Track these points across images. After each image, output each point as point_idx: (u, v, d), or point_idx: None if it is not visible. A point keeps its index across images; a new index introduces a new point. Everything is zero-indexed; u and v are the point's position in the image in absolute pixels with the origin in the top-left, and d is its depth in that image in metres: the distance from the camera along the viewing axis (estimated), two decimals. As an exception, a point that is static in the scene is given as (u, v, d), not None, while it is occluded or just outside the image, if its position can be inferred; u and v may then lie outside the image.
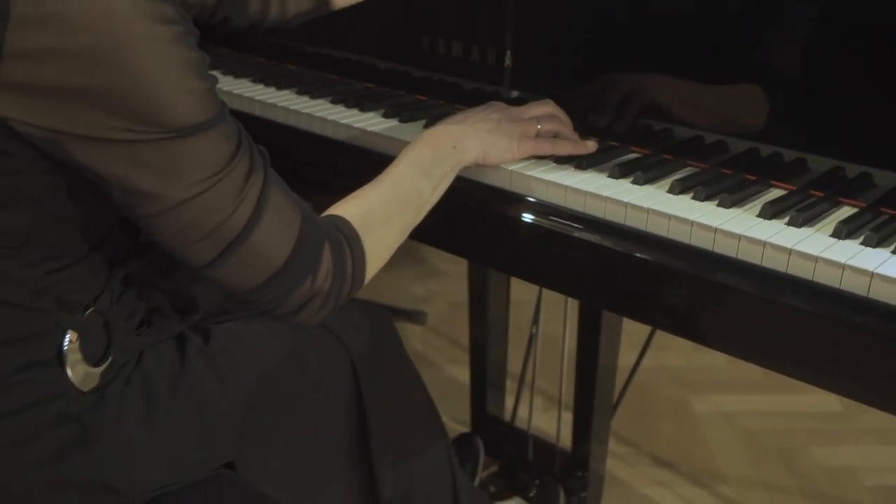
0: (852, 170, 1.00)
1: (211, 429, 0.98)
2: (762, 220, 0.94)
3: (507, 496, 1.72)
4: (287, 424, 1.08)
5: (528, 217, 1.05)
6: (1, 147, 0.76)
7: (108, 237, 0.93)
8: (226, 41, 1.58)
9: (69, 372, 0.87)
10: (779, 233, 0.91)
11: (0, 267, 0.83)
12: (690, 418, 2.18)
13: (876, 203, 0.97)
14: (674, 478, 1.96)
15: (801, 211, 0.94)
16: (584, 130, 1.16)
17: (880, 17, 0.94)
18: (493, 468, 1.80)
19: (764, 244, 0.90)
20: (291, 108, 1.31)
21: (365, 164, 1.21)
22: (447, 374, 2.29)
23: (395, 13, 1.35)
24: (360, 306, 1.21)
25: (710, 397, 2.26)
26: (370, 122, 1.25)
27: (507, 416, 1.93)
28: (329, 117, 1.27)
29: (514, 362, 1.94)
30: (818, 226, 0.94)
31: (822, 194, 1.00)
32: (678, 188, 1.01)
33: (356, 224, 0.93)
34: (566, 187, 1.03)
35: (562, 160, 1.10)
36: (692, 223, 0.94)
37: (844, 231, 0.91)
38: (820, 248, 0.88)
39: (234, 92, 1.39)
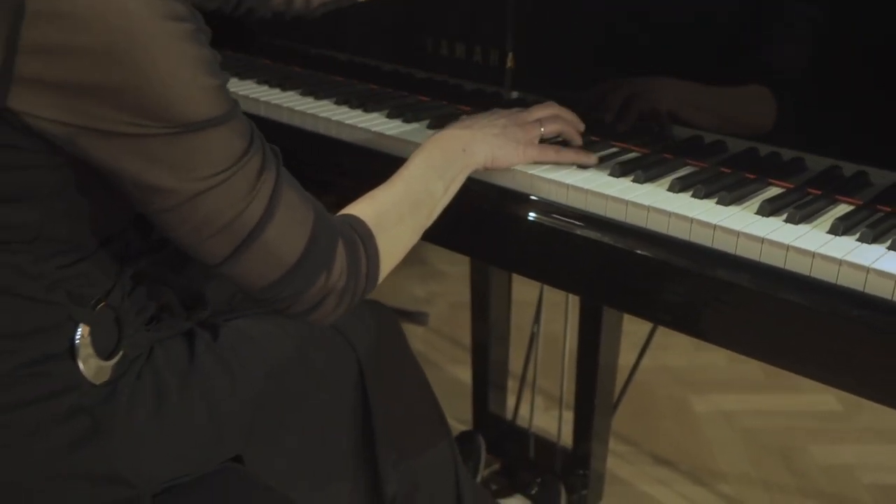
0: (849, 168, 1.02)
1: (220, 424, 1.00)
2: (760, 217, 0.96)
3: (509, 494, 1.73)
4: (294, 421, 1.09)
5: (530, 215, 1.07)
6: (14, 142, 0.78)
7: (118, 234, 0.94)
8: (231, 43, 1.60)
9: (81, 365, 0.88)
10: (777, 229, 0.93)
11: (13, 261, 0.84)
12: (690, 417, 2.19)
13: (872, 201, 0.99)
14: (674, 476, 1.97)
15: (798, 208, 0.96)
16: (584, 131, 1.18)
17: (877, 19, 0.96)
18: (495, 466, 1.81)
19: (762, 240, 0.91)
20: (296, 108, 1.33)
21: (369, 164, 1.23)
22: (448, 374, 2.31)
23: (398, 15, 1.37)
24: (367, 306, 1.22)
25: (710, 397, 2.27)
26: (374, 123, 1.27)
27: (509, 415, 1.94)
28: (333, 118, 1.29)
29: (515, 362, 1.95)
30: (815, 223, 0.95)
31: (819, 192, 1.02)
32: (678, 186, 1.03)
33: (370, 223, 0.94)
34: (568, 186, 1.05)
35: (563, 159, 1.12)
36: (692, 220, 0.96)
37: (841, 228, 0.92)
38: (817, 245, 0.89)
39: (240, 93, 1.41)
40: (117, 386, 0.92)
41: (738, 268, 0.92)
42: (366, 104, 1.33)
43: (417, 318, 2.58)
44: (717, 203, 1.00)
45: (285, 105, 1.35)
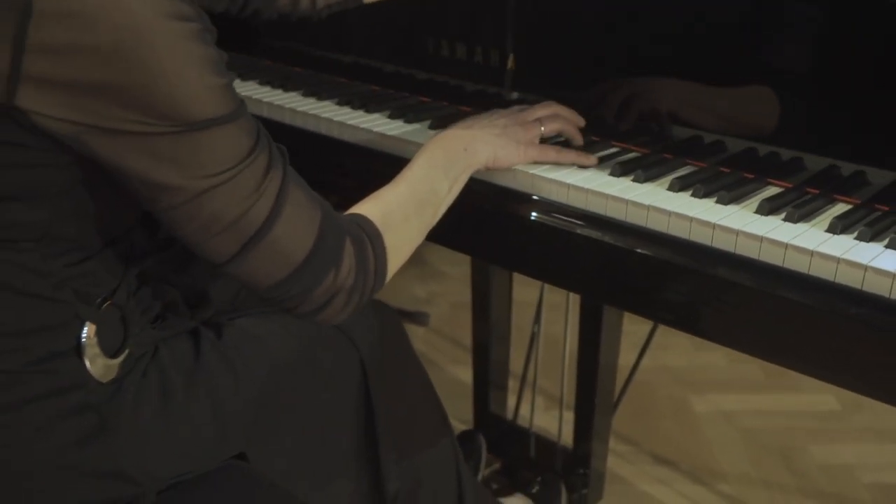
0: (847, 168, 1.03)
1: (224, 422, 1.00)
2: (759, 216, 0.97)
3: (510, 493, 1.73)
4: (297, 420, 1.10)
5: (531, 214, 1.08)
6: (22, 140, 0.78)
7: (124, 234, 0.95)
8: (234, 44, 1.60)
9: (87, 363, 0.89)
10: (775, 228, 0.94)
11: (21, 259, 0.85)
12: (690, 417, 2.20)
13: (870, 200, 1.00)
14: (674, 475, 1.98)
15: (797, 207, 0.97)
16: (585, 130, 1.19)
17: (875, 21, 0.96)
18: (496, 466, 1.82)
19: (761, 239, 0.92)
20: (299, 109, 1.34)
21: (371, 164, 1.24)
22: (449, 375, 2.32)
23: (399, 17, 1.38)
24: (370, 306, 1.22)
25: (710, 397, 2.28)
26: (376, 123, 1.28)
27: (510, 415, 1.95)
28: (336, 118, 1.30)
29: (515, 362, 1.95)
30: (814, 221, 0.96)
31: (817, 191, 1.02)
32: (678, 186, 1.04)
33: (377, 222, 0.94)
34: (569, 185, 1.06)
35: (564, 159, 1.13)
36: (691, 219, 0.97)
37: (839, 226, 0.93)
38: (815, 243, 0.90)
39: (242, 94, 1.41)
40: (123, 384, 0.93)
41: (738, 266, 0.93)
42: (367, 105, 1.34)
43: (418, 318, 2.59)
44: (717, 202, 1.00)
45: (287, 106, 1.36)
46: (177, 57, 0.75)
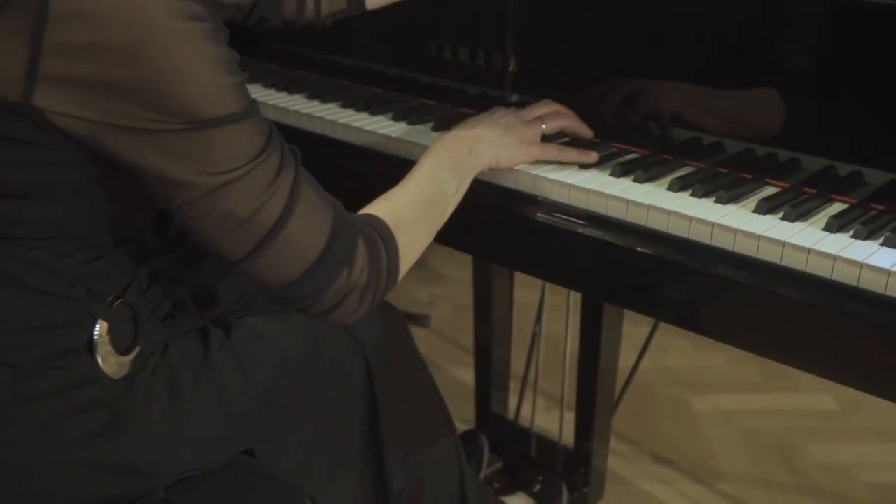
0: (844, 169, 1.04)
1: (232, 419, 1.02)
2: (758, 215, 0.99)
3: (512, 492, 1.75)
4: (303, 417, 1.12)
5: (533, 214, 1.09)
6: (38, 139, 0.80)
7: (135, 234, 0.96)
8: (238, 47, 1.62)
9: (99, 360, 0.91)
10: (773, 227, 0.95)
11: (35, 256, 0.86)
12: (690, 417, 2.22)
13: (866, 199, 1.01)
14: (674, 475, 2.00)
15: (794, 206, 0.99)
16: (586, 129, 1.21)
17: (872, 26, 0.98)
18: (498, 465, 1.83)
19: (759, 237, 0.94)
20: (303, 111, 1.36)
21: (375, 165, 1.26)
22: (451, 376, 2.33)
23: (403, 21, 1.39)
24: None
25: (709, 397, 2.29)
26: (379, 126, 1.29)
27: (511, 415, 1.96)
28: (340, 120, 1.31)
29: (517, 363, 1.97)
30: (811, 220, 0.98)
31: (814, 191, 1.04)
32: (677, 186, 1.06)
33: (388, 222, 0.96)
34: (570, 185, 1.08)
35: (565, 160, 1.15)
36: (691, 218, 0.99)
37: (836, 225, 0.95)
38: (812, 241, 0.92)
39: (247, 97, 1.43)
40: (134, 381, 0.94)
41: (737, 264, 0.95)
42: (371, 107, 1.36)
43: (419, 320, 2.61)
44: (716, 202, 1.02)
45: (292, 108, 1.37)
46: (189, 56, 0.77)
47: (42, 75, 0.75)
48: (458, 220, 1.07)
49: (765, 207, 0.99)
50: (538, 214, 1.09)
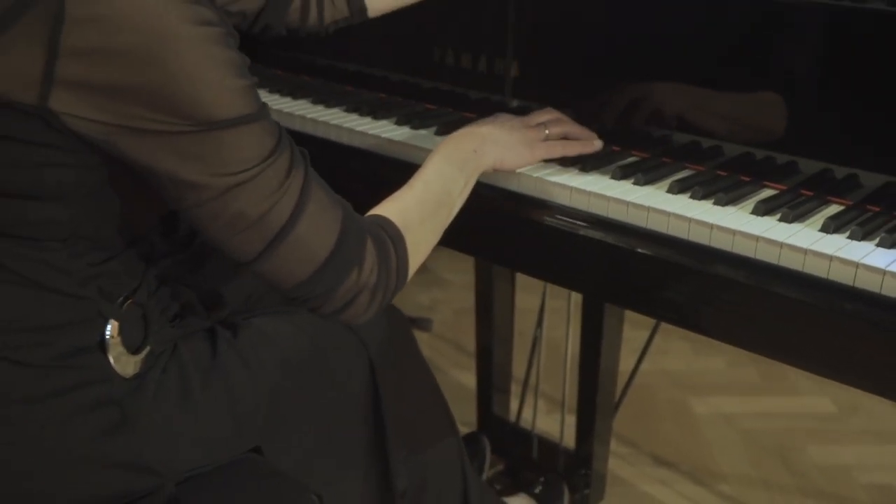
0: (840, 171, 1.06)
1: (239, 417, 1.03)
2: (756, 216, 1.01)
3: (514, 493, 1.76)
4: (308, 416, 1.13)
5: (536, 217, 1.11)
6: (52, 141, 0.81)
7: (143, 236, 0.98)
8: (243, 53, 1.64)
9: (111, 359, 0.92)
10: (771, 228, 0.97)
11: (48, 257, 0.88)
12: (690, 419, 2.23)
13: (862, 201, 1.03)
14: (674, 476, 2.01)
15: (791, 208, 1.00)
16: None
17: (869, 33, 1.00)
18: (500, 467, 1.84)
19: (757, 238, 0.96)
20: (308, 116, 1.38)
21: (378, 168, 1.28)
22: (453, 379, 2.34)
23: (406, 28, 1.41)
24: None
25: (709, 399, 2.30)
26: (383, 130, 1.31)
27: (513, 418, 1.98)
28: (344, 125, 1.33)
29: (518, 366, 1.98)
30: (808, 221, 1.00)
31: (811, 193, 1.06)
32: (677, 188, 1.07)
33: (397, 222, 0.97)
34: (572, 188, 1.10)
35: (567, 163, 1.17)
36: (690, 220, 1.00)
37: (832, 226, 0.97)
38: (809, 242, 0.94)
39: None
40: (145, 379, 0.96)
41: (735, 264, 0.97)
42: (375, 112, 1.37)
43: (421, 323, 2.62)
44: (715, 204, 1.04)
45: (297, 113, 1.39)
46: (201, 60, 0.78)
47: (58, 78, 0.77)
48: (462, 222, 1.08)
49: (763, 209, 1.01)
50: (540, 217, 1.11)
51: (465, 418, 2.01)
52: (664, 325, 1.65)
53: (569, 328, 1.77)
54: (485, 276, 1.85)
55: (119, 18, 0.75)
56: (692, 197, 1.06)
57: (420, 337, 2.55)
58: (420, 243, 1.00)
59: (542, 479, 1.76)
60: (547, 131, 1.17)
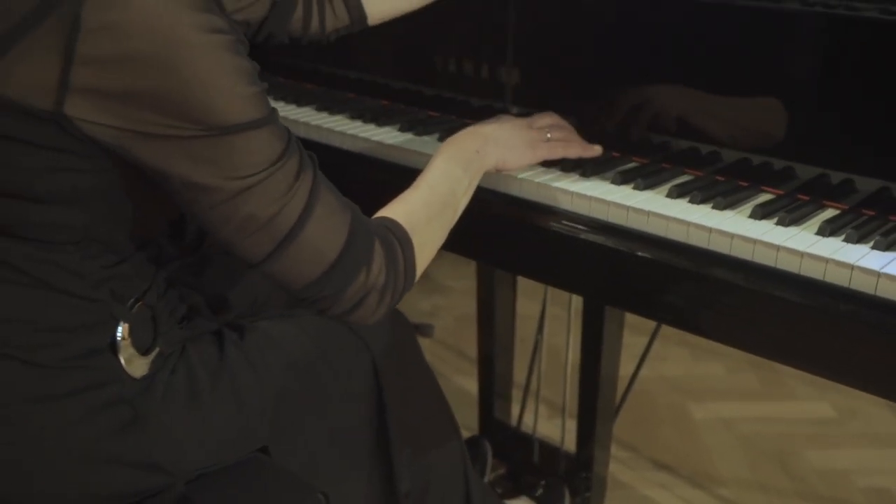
0: (836, 176, 1.08)
1: (247, 418, 1.05)
2: (753, 220, 1.02)
3: (515, 496, 1.77)
4: (313, 418, 1.14)
5: (537, 221, 1.13)
6: (67, 146, 0.83)
7: (152, 240, 1.00)
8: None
9: (122, 360, 0.94)
10: (768, 231, 0.99)
11: (62, 259, 0.90)
12: (690, 424, 2.24)
13: (857, 205, 1.05)
14: (674, 480, 2.02)
15: (788, 212, 1.02)
16: (587, 141, 1.24)
17: (865, 40, 1.02)
18: (501, 471, 1.86)
19: (755, 242, 0.98)
20: (312, 123, 1.39)
21: (382, 174, 1.30)
22: (455, 384, 2.36)
23: (408, 36, 1.43)
24: None
25: (708, 404, 2.32)
26: (387, 136, 1.33)
27: (514, 422, 1.99)
28: (348, 131, 1.35)
29: (519, 372, 1.99)
30: (804, 225, 1.01)
31: (808, 198, 1.08)
32: (676, 193, 1.09)
33: (403, 224, 0.99)
34: (572, 193, 1.11)
35: (568, 168, 1.18)
36: (689, 224, 1.02)
37: (828, 229, 0.98)
38: (806, 245, 0.96)
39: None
40: (154, 380, 0.98)
41: (733, 267, 0.99)
42: (378, 119, 1.39)
43: (422, 329, 2.63)
44: (713, 208, 1.06)
45: (302, 120, 1.41)
46: (212, 67, 0.80)
47: (73, 85, 0.79)
48: (464, 226, 1.10)
49: (760, 213, 1.03)
50: (542, 221, 1.12)
51: (467, 423, 2.02)
52: (663, 331, 1.68)
53: (569, 334, 1.79)
54: (487, 282, 1.86)
55: (133, 26, 0.77)
56: (691, 201, 1.07)
57: (422, 343, 2.56)
58: (427, 244, 1.02)
59: (542, 482, 1.77)
60: (549, 135, 1.19)
